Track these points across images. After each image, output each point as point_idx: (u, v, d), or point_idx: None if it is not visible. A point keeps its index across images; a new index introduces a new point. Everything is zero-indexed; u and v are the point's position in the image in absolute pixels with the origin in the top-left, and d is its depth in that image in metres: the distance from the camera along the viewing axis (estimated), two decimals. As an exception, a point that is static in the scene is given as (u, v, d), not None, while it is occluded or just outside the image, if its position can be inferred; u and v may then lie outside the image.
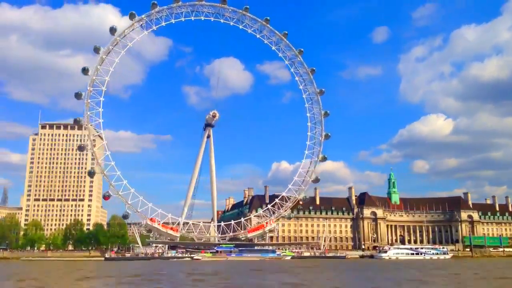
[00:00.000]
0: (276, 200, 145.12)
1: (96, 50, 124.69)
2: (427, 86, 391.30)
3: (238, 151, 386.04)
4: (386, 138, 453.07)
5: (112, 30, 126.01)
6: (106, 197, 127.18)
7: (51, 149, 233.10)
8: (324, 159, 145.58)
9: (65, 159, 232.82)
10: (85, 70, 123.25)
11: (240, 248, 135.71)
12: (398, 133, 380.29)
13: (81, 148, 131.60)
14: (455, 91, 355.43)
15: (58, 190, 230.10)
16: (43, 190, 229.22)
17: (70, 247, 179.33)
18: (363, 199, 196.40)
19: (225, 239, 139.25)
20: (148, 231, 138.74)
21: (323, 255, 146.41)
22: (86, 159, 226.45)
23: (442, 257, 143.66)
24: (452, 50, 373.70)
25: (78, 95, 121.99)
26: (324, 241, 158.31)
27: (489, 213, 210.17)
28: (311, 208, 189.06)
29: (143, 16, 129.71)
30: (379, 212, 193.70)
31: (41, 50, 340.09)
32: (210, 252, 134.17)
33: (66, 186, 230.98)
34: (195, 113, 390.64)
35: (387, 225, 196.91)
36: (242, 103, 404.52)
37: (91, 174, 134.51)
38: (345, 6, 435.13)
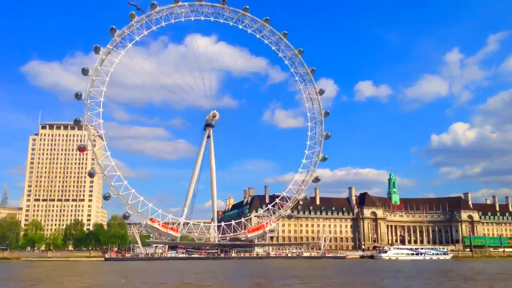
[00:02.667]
0: (277, 200, 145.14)
1: (96, 50, 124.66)
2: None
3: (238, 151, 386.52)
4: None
5: (112, 30, 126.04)
6: (106, 197, 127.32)
7: (51, 149, 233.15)
8: (324, 159, 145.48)
9: (65, 159, 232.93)
10: (85, 71, 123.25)
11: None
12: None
13: (80, 148, 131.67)
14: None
15: (58, 190, 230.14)
16: (43, 190, 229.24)
17: (70, 247, 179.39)
18: (363, 199, 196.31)
19: (225, 239, 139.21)
20: (148, 231, 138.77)
21: (323, 255, 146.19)
22: (86, 159, 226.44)
23: (442, 257, 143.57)
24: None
25: (78, 96, 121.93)
26: (324, 241, 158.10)
27: (489, 213, 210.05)
28: (311, 208, 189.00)
29: (143, 16, 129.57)
30: (379, 212, 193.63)
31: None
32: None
33: (66, 186, 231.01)
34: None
35: (387, 225, 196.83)
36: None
37: (92, 174, 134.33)
38: (345, 5, 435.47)
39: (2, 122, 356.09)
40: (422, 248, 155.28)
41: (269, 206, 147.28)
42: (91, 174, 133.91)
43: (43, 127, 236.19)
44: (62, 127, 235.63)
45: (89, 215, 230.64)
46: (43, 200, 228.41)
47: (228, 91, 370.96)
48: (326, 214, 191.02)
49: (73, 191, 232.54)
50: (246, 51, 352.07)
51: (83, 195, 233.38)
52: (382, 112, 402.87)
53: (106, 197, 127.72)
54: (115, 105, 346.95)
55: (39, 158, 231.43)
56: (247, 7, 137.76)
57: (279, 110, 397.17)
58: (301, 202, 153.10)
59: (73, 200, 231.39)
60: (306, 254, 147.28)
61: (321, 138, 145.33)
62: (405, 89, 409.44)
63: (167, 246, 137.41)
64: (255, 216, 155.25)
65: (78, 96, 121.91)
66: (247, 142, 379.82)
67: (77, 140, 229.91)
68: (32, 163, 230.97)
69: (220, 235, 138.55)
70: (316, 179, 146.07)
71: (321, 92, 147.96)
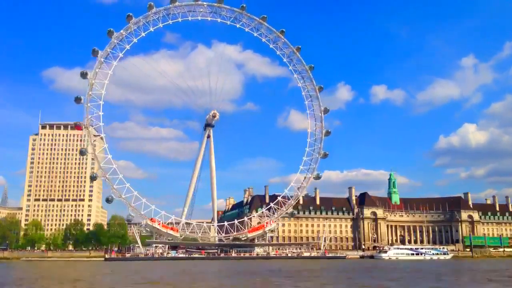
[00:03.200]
0: (279, 198, 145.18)
1: (95, 53, 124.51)
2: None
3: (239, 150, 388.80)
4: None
5: (110, 32, 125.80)
6: (109, 201, 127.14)
7: (51, 149, 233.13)
8: (325, 155, 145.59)
9: (65, 159, 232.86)
10: (83, 74, 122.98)
11: None
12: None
13: (82, 152, 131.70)
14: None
15: (58, 190, 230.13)
16: (43, 190, 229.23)
17: (70, 247, 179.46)
18: (363, 199, 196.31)
19: (225, 239, 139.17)
20: (148, 231, 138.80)
21: (323, 255, 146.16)
22: (86, 159, 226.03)
23: (442, 257, 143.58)
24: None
25: (77, 99, 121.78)
26: (324, 241, 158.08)
27: (489, 213, 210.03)
28: (311, 208, 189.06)
29: (140, 18, 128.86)
30: (379, 212, 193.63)
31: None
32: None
33: (66, 186, 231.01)
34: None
35: (387, 225, 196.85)
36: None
37: (94, 178, 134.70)
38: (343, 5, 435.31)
39: (10, 121, 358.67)
40: (422, 248, 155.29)
41: (271, 204, 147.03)
42: (93, 178, 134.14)
43: (43, 127, 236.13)
44: (62, 127, 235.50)
45: (89, 215, 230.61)
46: (43, 200, 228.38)
47: (250, 95, 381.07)
48: (326, 214, 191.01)
49: (73, 191, 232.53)
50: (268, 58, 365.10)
51: (83, 195, 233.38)
52: (394, 115, 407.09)
53: (109, 201, 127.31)
54: (133, 108, 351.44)
55: (39, 158, 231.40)
56: (244, 5, 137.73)
57: (294, 111, 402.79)
58: (301, 202, 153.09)
59: (73, 200, 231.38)
60: (306, 254, 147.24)
61: (321, 135, 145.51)
62: (418, 93, 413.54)
63: (167, 246, 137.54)
64: (255, 216, 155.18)
65: (78, 100, 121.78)
66: (258, 143, 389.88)
67: (77, 140, 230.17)
68: (32, 163, 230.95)
69: (220, 235, 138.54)
70: (317, 177, 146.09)
71: (320, 89, 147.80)
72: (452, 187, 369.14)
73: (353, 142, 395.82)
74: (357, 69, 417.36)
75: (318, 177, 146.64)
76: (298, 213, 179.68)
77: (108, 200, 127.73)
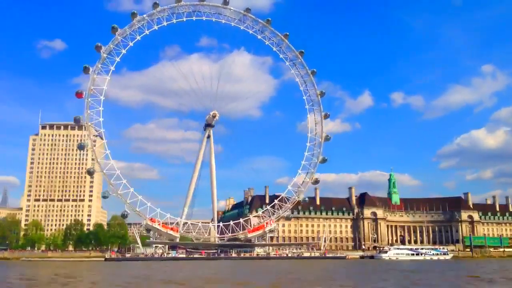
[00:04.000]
0: (275, 201, 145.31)
1: (98, 48, 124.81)
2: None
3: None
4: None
5: (113, 29, 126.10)
6: (105, 196, 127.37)
7: (51, 149, 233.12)
8: (323, 160, 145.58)
9: (65, 159, 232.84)
10: (86, 69, 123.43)
11: None
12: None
13: (81, 146, 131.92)
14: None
15: (58, 190, 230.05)
16: (43, 191, 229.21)
17: (70, 247, 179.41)
18: (363, 199, 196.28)
19: (225, 239, 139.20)
20: (148, 231, 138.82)
21: (323, 255, 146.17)
22: (86, 159, 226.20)
23: (442, 257, 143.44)
24: None
25: (86, 69, 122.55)
26: (324, 241, 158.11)
27: (489, 213, 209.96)
28: (311, 208, 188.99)
29: (144, 15, 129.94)
30: (379, 212, 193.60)
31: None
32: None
33: (66, 186, 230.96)
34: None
35: (387, 225, 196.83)
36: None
37: (91, 172, 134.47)
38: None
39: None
40: (422, 248, 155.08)
41: (268, 207, 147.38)
42: (90, 172, 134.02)
43: (43, 127, 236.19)
44: (62, 127, 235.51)
45: (89, 215, 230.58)
46: (43, 200, 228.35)
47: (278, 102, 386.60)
48: (326, 214, 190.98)
49: (73, 191, 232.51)
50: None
51: (83, 195, 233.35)
52: (411, 119, 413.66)
53: (104, 196, 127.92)
54: (156, 110, 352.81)
55: (39, 158, 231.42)
56: (249, 8, 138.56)
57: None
58: (299, 206, 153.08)
59: (73, 200, 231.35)
60: (306, 254, 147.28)
61: (321, 139, 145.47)
62: (434, 98, 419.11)
63: (167, 246, 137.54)
64: (255, 216, 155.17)
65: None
66: (269, 143, 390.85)
67: (77, 140, 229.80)
68: (32, 163, 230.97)
69: (220, 235, 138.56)
70: (316, 181, 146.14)
71: (322, 94, 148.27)
72: (460, 188, 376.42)
73: (370, 144, 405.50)
74: (378, 76, 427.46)
75: (316, 182, 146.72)
76: (298, 213, 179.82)
77: (104, 196, 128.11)
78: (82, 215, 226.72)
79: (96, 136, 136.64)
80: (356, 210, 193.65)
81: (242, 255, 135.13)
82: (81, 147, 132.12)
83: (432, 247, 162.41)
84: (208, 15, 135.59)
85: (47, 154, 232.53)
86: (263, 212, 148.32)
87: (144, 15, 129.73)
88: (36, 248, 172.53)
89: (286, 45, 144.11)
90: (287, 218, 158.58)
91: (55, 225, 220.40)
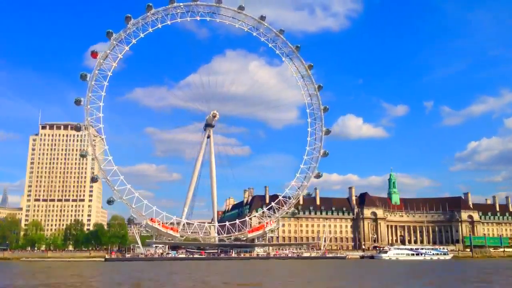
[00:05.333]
0: (280, 197, 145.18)
1: (94, 54, 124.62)
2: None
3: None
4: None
5: (109, 34, 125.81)
6: (110, 202, 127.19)
7: (51, 149, 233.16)
8: (325, 154, 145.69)
9: (65, 159, 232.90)
10: (83, 76, 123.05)
11: None
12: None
13: (83, 155, 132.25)
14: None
15: (58, 191, 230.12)
16: (43, 191, 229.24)
17: (71, 248, 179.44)
18: (363, 199, 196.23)
19: (225, 239, 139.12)
20: (149, 231, 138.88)
21: (323, 255, 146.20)
22: (86, 159, 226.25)
23: (442, 257, 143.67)
24: None
25: (77, 101, 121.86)
26: (324, 241, 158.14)
27: (489, 213, 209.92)
28: (311, 208, 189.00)
29: (139, 19, 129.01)
30: (380, 212, 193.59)
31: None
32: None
33: (66, 186, 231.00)
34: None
35: (387, 225, 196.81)
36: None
37: (94, 180, 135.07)
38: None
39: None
40: (422, 248, 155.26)
41: (272, 204, 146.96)
42: (94, 180, 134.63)
43: (43, 127, 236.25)
44: (62, 127, 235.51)
45: (89, 215, 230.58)
46: (43, 200, 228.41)
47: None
48: (326, 214, 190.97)
49: (73, 191, 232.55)
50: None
51: (83, 195, 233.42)
52: (439, 125, 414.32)
53: (110, 202, 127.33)
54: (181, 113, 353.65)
55: (39, 158, 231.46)
56: (242, 5, 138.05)
57: (350, 116, 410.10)
58: (301, 202, 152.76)
59: (73, 200, 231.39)
60: (306, 254, 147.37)
61: (321, 133, 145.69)
62: (460, 109, 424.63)
63: (167, 246, 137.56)
64: (255, 216, 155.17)
65: (77, 102, 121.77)
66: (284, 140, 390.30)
67: (77, 141, 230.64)
68: (32, 163, 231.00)
69: (220, 235, 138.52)
70: (318, 175, 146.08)
71: (320, 87, 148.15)
72: (470, 189, 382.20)
73: (400, 148, 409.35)
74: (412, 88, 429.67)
75: (318, 176, 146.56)
76: (298, 213, 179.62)
77: (109, 202, 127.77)
78: (82, 215, 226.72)
79: (96, 136, 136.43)
80: (356, 210, 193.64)
81: (242, 255, 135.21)
82: (83, 155, 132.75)
83: (432, 247, 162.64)
84: (202, 14, 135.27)
85: (47, 154, 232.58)
86: (265, 211, 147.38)
87: (139, 18, 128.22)
88: (36, 248, 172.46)
89: (281, 41, 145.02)
90: (293, 214, 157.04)
91: (55, 225, 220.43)
